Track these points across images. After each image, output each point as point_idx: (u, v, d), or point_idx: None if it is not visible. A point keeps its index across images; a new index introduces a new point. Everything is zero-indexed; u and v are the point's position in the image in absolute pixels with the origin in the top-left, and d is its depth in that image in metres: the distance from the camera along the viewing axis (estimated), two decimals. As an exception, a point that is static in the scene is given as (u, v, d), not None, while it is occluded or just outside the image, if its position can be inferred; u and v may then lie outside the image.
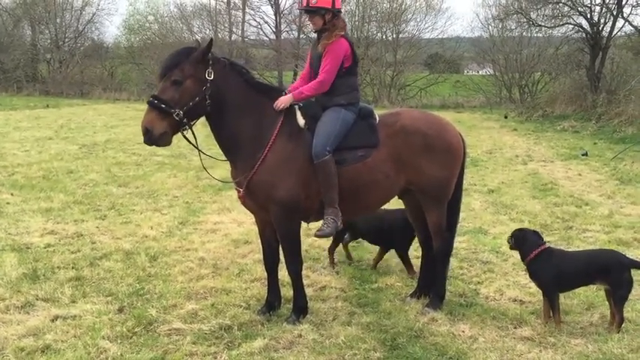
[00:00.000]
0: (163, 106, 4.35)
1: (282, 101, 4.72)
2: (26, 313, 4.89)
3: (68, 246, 6.64)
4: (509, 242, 5.02)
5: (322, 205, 4.76)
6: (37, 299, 5.13)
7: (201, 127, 4.77)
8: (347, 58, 4.78)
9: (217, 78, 4.51)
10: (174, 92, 4.39)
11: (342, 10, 4.93)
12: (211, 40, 4.57)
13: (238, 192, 4.80)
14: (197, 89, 4.45)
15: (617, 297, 4.62)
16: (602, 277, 4.69)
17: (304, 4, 4.81)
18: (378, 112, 5.07)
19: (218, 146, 4.79)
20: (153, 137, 4.37)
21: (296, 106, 4.82)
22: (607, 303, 4.81)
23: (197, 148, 4.70)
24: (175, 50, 4.62)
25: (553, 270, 4.69)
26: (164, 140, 4.42)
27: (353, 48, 4.84)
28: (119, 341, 4.38)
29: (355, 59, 4.88)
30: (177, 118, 4.39)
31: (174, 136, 4.54)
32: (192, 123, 4.59)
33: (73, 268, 5.93)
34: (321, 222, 4.77)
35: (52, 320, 4.71)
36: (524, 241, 4.88)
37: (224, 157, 4.86)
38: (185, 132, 4.57)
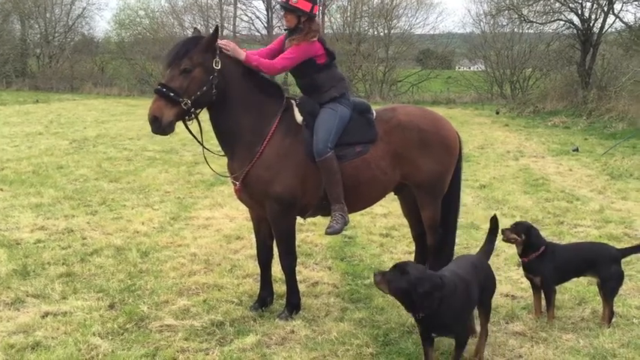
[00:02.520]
0: (172, 94, 4.34)
1: (233, 48, 4.60)
2: (16, 309, 4.85)
3: (58, 242, 6.59)
4: (519, 236, 4.74)
5: (321, 200, 4.75)
6: (27, 295, 5.09)
7: (195, 123, 4.73)
8: (319, 56, 4.73)
9: (224, 68, 4.50)
10: (183, 81, 4.38)
11: (318, 15, 4.84)
12: (217, 27, 4.56)
13: (234, 185, 4.79)
14: (205, 78, 4.43)
15: (607, 289, 4.64)
16: (592, 269, 4.71)
17: (284, 0, 4.73)
18: (373, 108, 5.06)
19: (216, 138, 4.77)
20: (161, 125, 4.35)
21: (293, 103, 4.82)
22: (598, 298, 4.83)
23: (197, 140, 4.69)
24: (183, 39, 4.60)
25: (553, 263, 4.70)
26: (171, 128, 4.42)
27: (325, 45, 4.78)
28: (110, 338, 4.35)
29: (330, 55, 4.81)
30: (185, 107, 4.39)
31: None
32: (197, 112, 4.57)
33: (63, 264, 5.88)
34: (326, 218, 4.76)
35: (43, 317, 4.67)
36: (537, 237, 4.77)
37: (222, 152, 4.84)
38: (189, 122, 4.56)
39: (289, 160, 4.63)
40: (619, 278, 4.68)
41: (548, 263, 4.69)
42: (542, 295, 4.77)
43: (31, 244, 6.47)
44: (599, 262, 4.68)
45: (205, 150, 4.80)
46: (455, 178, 5.18)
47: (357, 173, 4.74)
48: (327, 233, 4.76)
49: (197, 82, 4.41)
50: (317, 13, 4.80)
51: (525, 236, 4.73)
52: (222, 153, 4.86)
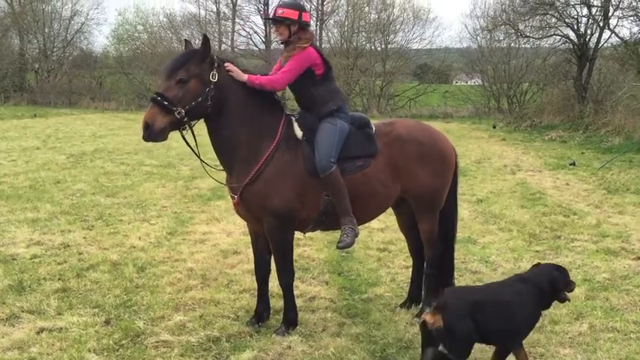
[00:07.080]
0: (166, 103, 4.39)
1: (236, 71, 4.66)
2: (11, 325, 4.82)
3: (54, 257, 6.57)
4: None
5: (321, 215, 4.75)
6: (23, 311, 5.05)
7: (191, 137, 4.74)
8: (317, 66, 4.76)
9: (221, 80, 4.54)
10: (178, 91, 4.43)
11: (312, 24, 4.85)
12: (205, 36, 4.58)
13: (233, 199, 4.79)
14: (200, 90, 4.48)
15: None
16: None
17: (272, 14, 4.81)
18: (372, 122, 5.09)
19: (213, 150, 4.77)
20: (152, 132, 4.39)
21: (293, 118, 4.84)
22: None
23: (194, 151, 4.70)
24: (182, 52, 4.66)
25: None
26: (162, 136, 4.45)
27: (322, 55, 4.83)
28: (105, 354, 4.32)
29: (327, 65, 4.85)
30: (178, 117, 4.42)
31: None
32: (192, 123, 4.61)
33: (59, 279, 5.86)
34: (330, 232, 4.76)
35: (38, 333, 4.64)
36: None
37: (219, 165, 4.85)
38: (185, 132, 4.58)
39: (288, 175, 4.65)
40: None
41: None
42: None
43: (27, 259, 6.45)
44: None
45: (205, 164, 4.83)
46: (451, 192, 5.21)
47: (357, 187, 4.75)
48: (338, 248, 4.76)
49: (192, 92, 4.46)
50: (309, 21, 4.84)
51: None
52: (221, 167, 4.87)
